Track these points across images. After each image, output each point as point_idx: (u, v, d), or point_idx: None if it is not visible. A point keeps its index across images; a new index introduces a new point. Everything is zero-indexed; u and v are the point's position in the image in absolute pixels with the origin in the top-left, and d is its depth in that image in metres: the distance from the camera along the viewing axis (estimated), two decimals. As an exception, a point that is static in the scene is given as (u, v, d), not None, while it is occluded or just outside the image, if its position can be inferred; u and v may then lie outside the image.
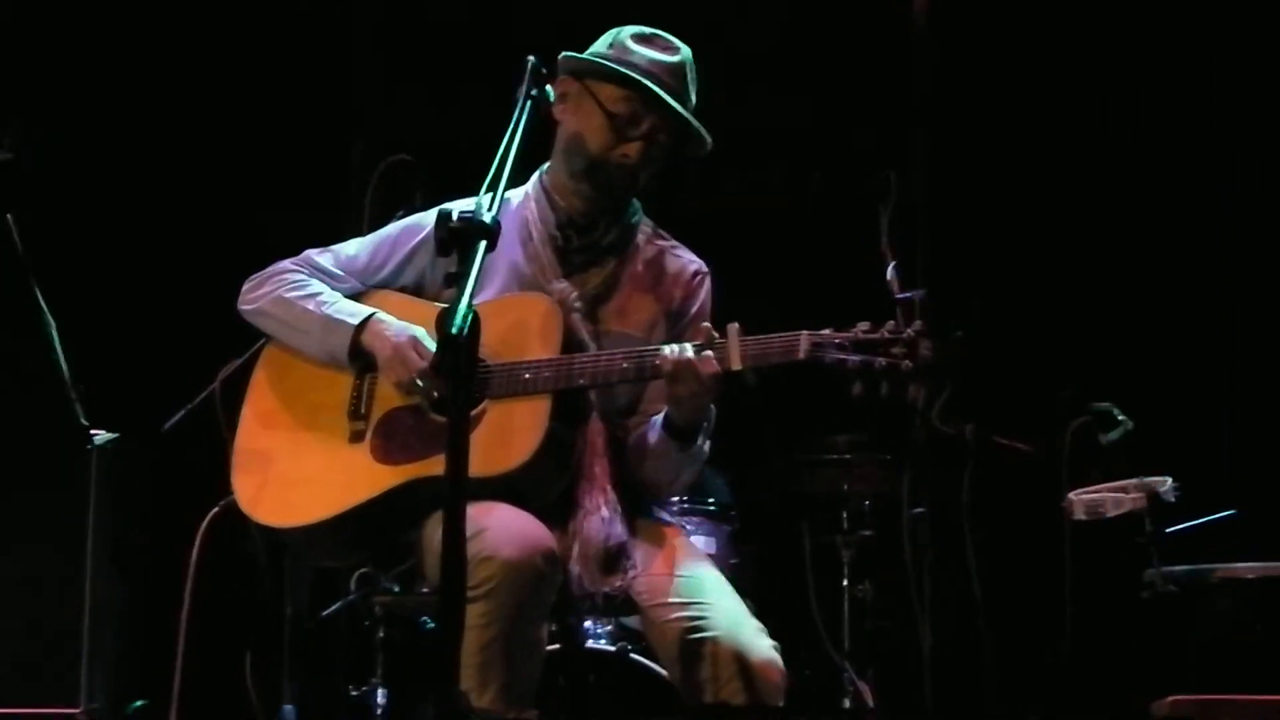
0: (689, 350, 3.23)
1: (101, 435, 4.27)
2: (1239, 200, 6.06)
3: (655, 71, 3.46)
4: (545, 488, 3.33)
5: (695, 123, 3.49)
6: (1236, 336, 5.96)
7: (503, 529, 3.15)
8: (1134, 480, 4.66)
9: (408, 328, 3.43)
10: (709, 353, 3.22)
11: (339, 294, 3.58)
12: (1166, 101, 6.16)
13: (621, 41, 3.52)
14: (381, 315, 3.49)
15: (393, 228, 3.69)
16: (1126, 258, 6.16)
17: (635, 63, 3.46)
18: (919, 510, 4.64)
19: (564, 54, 3.49)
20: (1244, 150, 6.04)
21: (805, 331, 3.19)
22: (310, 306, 3.54)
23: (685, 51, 3.54)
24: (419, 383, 3.36)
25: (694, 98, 3.53)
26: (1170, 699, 4.41)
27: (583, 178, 3.50)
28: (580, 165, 3.50)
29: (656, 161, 3.52)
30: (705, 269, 3.65)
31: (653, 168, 3.53)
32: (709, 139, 3.52)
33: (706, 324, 3.30)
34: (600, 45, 3.55)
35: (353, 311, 3.51)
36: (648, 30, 3.54)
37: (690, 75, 3.52)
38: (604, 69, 3.47)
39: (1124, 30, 6.18)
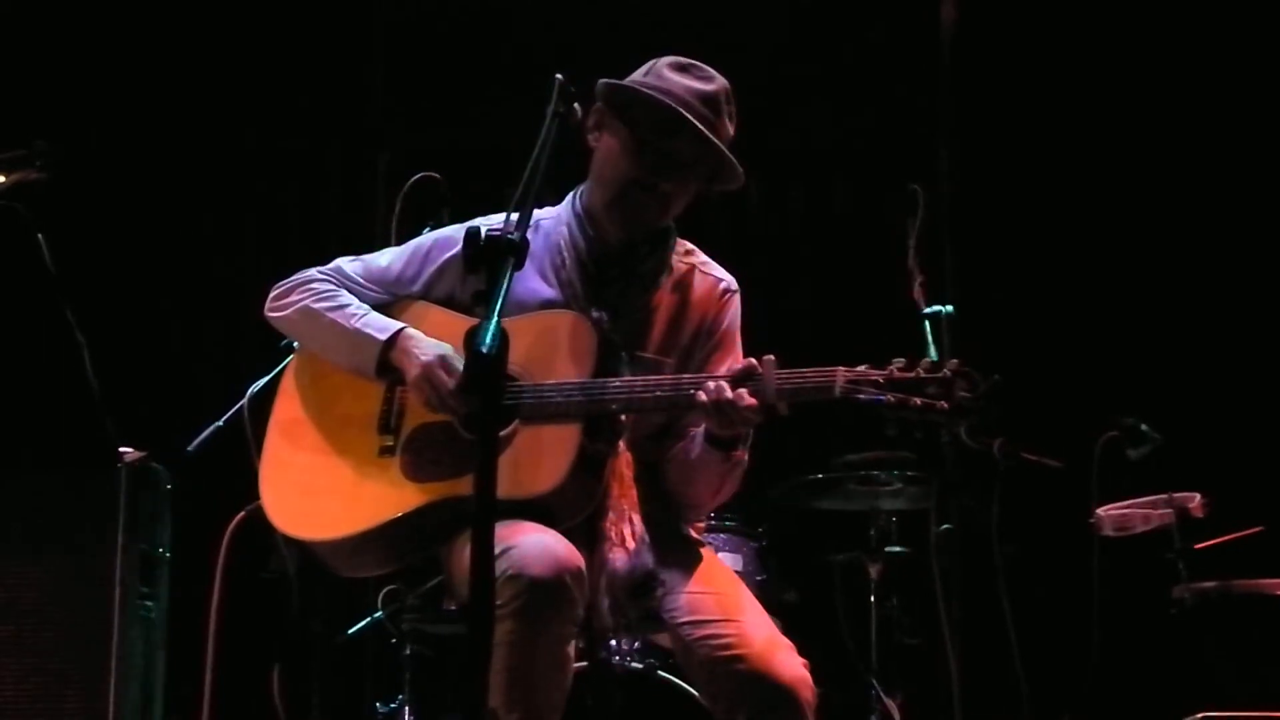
0: (726, 389, 3.22)
1: (131, 453, 4.28)
2: (1273, 217, 6.05)
3: (690, 99, 3.41)
4: (573, 510, 3.31)
5: (726, 151, 3.44)
6: (1266, 352, 5.94)
7: (530, 546, 3.13)
8: (1162, 496, 4.65)
9: (436, 345, 3.42)
10: (744, 390, 3.22)
11: (367, 306, 3.56)
12: (1191, 115, 6.16)
13: (658, 70, 3.48)
14: (410, 331, 3.47)
15: (425, 240, 3.67)
16: (1154, 271, 6.15)
17: (670, 89, 3.42)
18: (947, 526, 4.63)
19: (600, 81, 3.46)
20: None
21: (841, 368, 3.18)
22: (339, 319, 3.52)
23: (722, 81, 3.49)
24: (448, 403, 3.36)
25: (731, 130, 3.48)
26: (1199, 715, 4.40)
27: (615, 205, 3.47)
28: (612, 191, 3.47)
29: (689, 190, 3.50)
30: (734, 286, 3.64)
31: (686, 197, 3.51)
32: (740, 169, 3.48)
33: (750, 360, 3.28)
34: (636, 74, 3.51)
35: (382, 326, 3.49)
36: (685, 60, 3.49)
37: (727, 105, 3.47)
38: (637, 94, 3.43)
39: (1147, 44, 6.18)
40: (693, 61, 3.49)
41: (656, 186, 3.45)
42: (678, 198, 3.50)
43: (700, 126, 3.39)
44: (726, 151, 3.44)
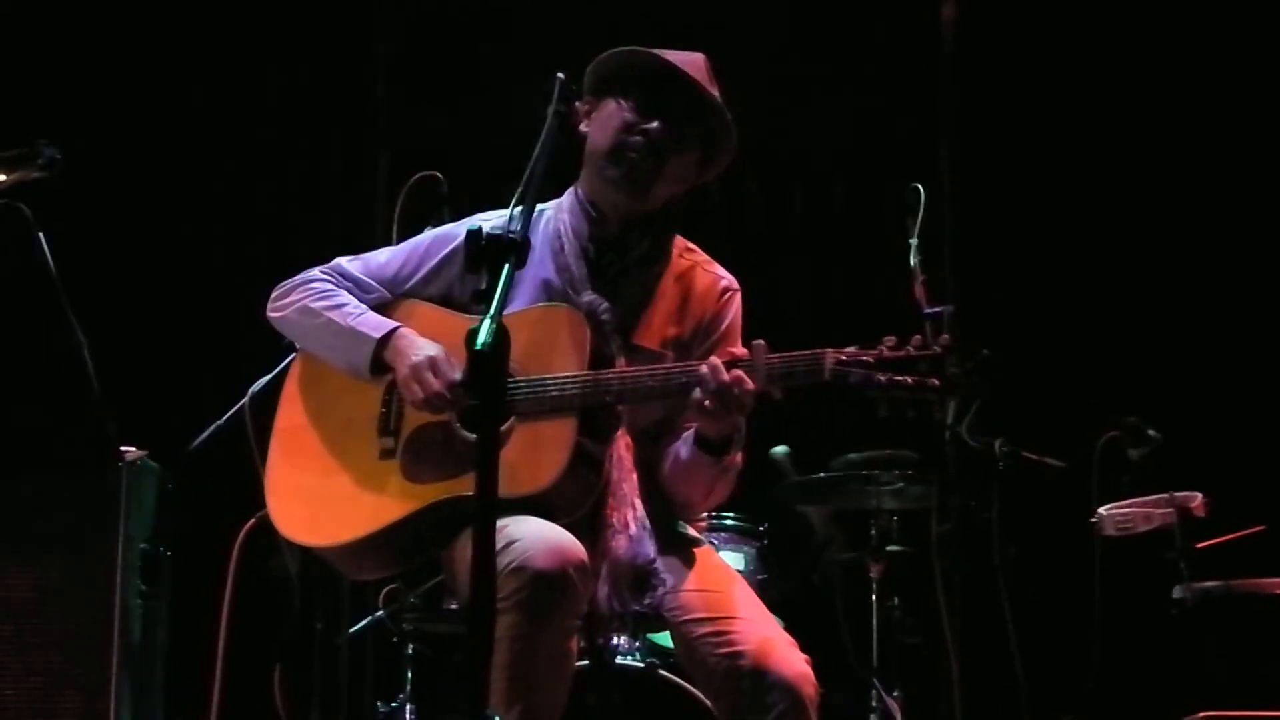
0: (722, 369, 3.22)
1: (132, 452, 4.28)
2: (1273, 216, 6.05)
3: (671, 60, 3.47)
4: (572, 505, 3.32)
5: (713, 94, 3.46)
6: (1267, 351, 5.94)
7: (533, 540, 3.13)
8: (1164, 495, 4.65)
9: (426, 347, 3.42)
10: (737, 371, 3.22)
11: (365, 306, 3.57)
12: (1195, 113, 6.16)
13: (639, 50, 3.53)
14: (404, 330, 3.48)
15: (423, 237, 3.69)
16: (1155, 270, 6.15)
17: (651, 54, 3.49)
18: (948, 526, 4.63)
19: (588, 68, 3.50)
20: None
21: (830, 349, 3.18)
22: (335, 317, 3.53)
23: (701, 54, 3.53)
24: (433, 404, 3.36)
25: (716, 96, 3.52)
26: (1201, 714, 4.40)
27: (607, 164, 3.48)
28: (604, 149, 3.48)
29: (684, 153, 3.50)
30: (735, 285, 3.64)
31: (680, 161, 3.51)
32: (732, 125, 3.49)
33: (731, 348, 3.31)
34: None
35: (376, 325, 3.50)
36: (663, 48, 3.54)
37: (710, 73, 3.51)
38: (621, 56, 3.48)
39: (1148, 42, 6.18)
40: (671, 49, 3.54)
41: (649, 133, 3.44)
42: (672, 155, 3.49)
43: (683, 69, 3.43)
44: (713, 94, 3.46)
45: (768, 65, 6.12)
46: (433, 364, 3.38)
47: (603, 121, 3.50)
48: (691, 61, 3.50)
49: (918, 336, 3.17)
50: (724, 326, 3.58)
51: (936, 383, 3.12)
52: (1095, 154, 6.25)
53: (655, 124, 3.45)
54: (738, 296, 3.64)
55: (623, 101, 3.48)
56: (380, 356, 3.47)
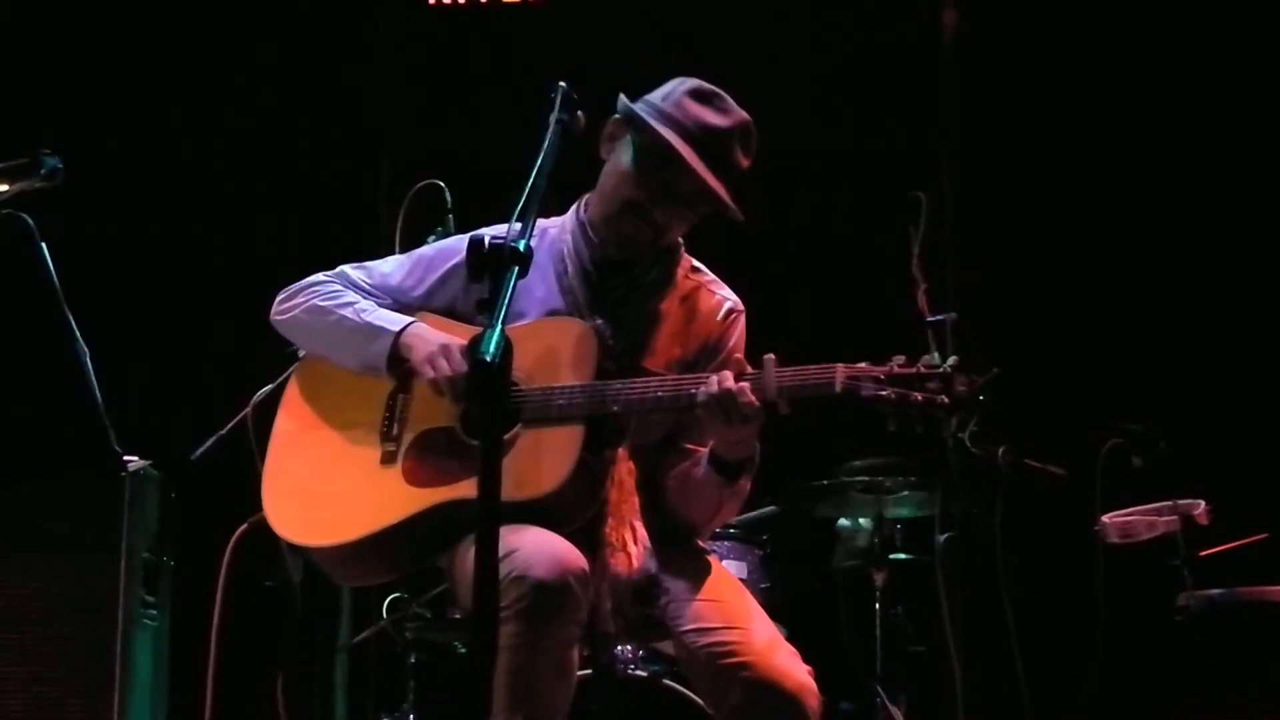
0: (729, 377, 3.22)
1: (134, 462, 4.29)
2: (1276, 222, 6.05)
3: (698, 134, 3.38)
4: (575, 513, 3.31)
5: (722, 194, 3.39)
6: (1270, 358, 5.94)
7: (535, 549, 3.12)
8: (1167, 503, 4.65)
9: (451, 337, 3.40)
10: (744, 383, 3.22)
11: (374, 304, 3.55)
12: (1193, 121, 6.16)
13: (678, 96, 3.43)
14: (421, 324, 3.46)
15: (428, 249, 3.68)
16: (1158, 277, 6.14)
17: (681, 120, 3.39)
18: (951, 534, 4.63)
19: (621, 96, 3.43)
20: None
21: (841, 365, 3.18)
22: (348, 314, 3.51)
23: (740, 115, 3.44)
24: (458, 385, 3.33)
25: (744, 163, 3.44)
26: (1204, 723, 4.40)
27: (610, 223, 3.47)
28: (609, 209, 3.47)
29: (687, 219, 3.49)
30: (740, 307, 3.61)
31: (683, 225, 3.50)
32: (738, 211, 3.43)
33: (739, 356, 3.31)
34: (659, 93, 3.46)
35: (393, 319, 3.48)
36: (708, 89, 3.44)
37: (741, 142, 3.43)
38: (645, 124, 3.40)
39: (1149, 49, 6.18)
40: (716, 91, 3.44)
41: (650, 214, 3.43)
42: (673, 225, 3.49)
43: (694, 165, 3.36)
44: (722, 194, 3.39)
45: (769, 73, 6.12)
46: (463, 349, 3.34)
47: (613, 173, 3.47)
48: (722, 132, 3.40)
49: (927, 356, 3.17)
50: (728, 348, 3.54)
51: (946, 400, 3.13)
52: (1097, 161, 6.25)
53: (656, 208, 3.42)
54: (742, 318, 3.61)
55: (634, 162, 3.42)
56: (398, 347, 3.44)
